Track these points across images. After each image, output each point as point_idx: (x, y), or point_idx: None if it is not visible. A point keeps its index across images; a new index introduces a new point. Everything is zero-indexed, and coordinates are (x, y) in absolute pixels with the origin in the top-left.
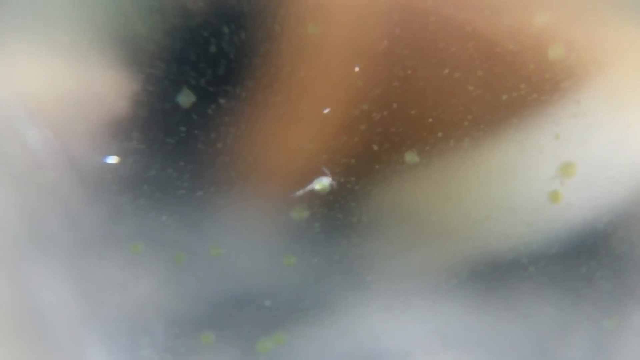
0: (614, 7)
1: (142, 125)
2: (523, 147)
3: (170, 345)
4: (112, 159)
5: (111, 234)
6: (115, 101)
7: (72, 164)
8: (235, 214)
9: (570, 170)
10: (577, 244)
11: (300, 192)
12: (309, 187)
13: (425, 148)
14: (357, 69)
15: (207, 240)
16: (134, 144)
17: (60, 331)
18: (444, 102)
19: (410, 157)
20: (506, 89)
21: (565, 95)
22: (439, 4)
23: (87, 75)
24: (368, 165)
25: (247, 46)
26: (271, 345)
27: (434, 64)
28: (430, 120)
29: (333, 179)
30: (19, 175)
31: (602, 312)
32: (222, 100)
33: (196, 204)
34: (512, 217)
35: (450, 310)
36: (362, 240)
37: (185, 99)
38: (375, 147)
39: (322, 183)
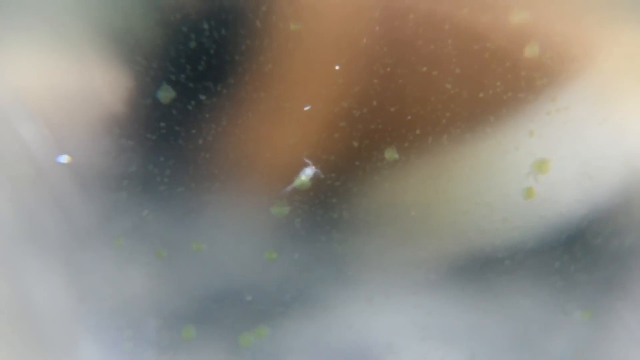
0: (590, 5)
1: (123, 121)
2: (499, 144)
3: (153, 339)
4: (64, 159)
5: (93, 229)
6: (96, 97)
7: (58, 160)
8: (217, 210)
9: (545, 166)
10: (552, 238)
11: (289, 188)
12: (297, 182)
13: (404, 145)
14: (337, 67)
15: (188, 236)
16: (114, 139)
17: (48, 324)
18: (422, 99)
19: (390, 153)
20: (483, 87)
21: (541, 92)
22: (418, 2)
23: (72, 73)
24: (348, 161)
25: (228, 42)
26: (253, 339)
27: (413, 61)
28: (409, 117)
29: (316, 168)
30: (16, 172)
31: (577, 304)
32: (202, 97)
33: (177, 200)
34: (488, 212)
35: (430, 302)
36: (342, 236)
37: (165, 94)
38: (355, 144)
39: (306, 174)
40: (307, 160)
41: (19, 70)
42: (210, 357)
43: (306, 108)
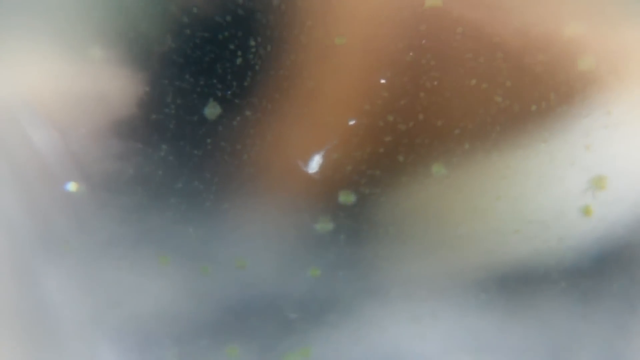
0: None
1: (170, 137)
2: (553, 159)
3: (197, 358)
4: (71, 186)
5: (139, 246)
6: (133, 107)
7: (99, 171)
8: (260, 226)
9: (602, 183)
10: (610, 259)
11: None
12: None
13: (453, 160)
14: (383, 81)
15: (232, 253)
16: (162, 156)
17: (68, 333)
18: (471, 113)
19: (437, 168)
20: (535, 100)
21: (596, 106)
22: (466, 15)
23: (100, 79)
24: (394, 176)
25: (273, 58)
26: (298, 358)
27: (461, 74)
28: (457, 131)
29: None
30: (27, 176)
31: (636, 329)
32: (248, 112)
33: (222, 216)
34: (542, 231)
35: (479, 324)
36: (388, 253)
37: (212, 110)
38: (401, 159)
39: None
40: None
41: (30, 75)
42: None
43: (351, 123)
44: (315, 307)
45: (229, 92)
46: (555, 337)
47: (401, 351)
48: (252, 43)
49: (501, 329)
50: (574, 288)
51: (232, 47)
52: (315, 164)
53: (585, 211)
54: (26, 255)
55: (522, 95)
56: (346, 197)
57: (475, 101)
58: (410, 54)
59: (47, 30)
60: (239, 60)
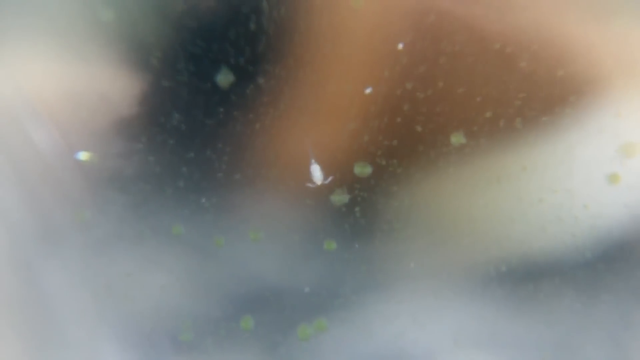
0: None
1: (182, 106)
2: (581, 126)
3: (211, 330)
4: (83, 155)
5: (152, 217)
6: (146, 85)
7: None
8: (274, 198)
9: (632, 150)
10: (638, 229)
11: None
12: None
13: (473, 129)
14: (401, 46)
15: (246, 224)
16: (173, 124)
17: (71, 323)
18: (494, 79)
19: (457, 138)
20: (563, 64)
21: (627, 70)
22: None
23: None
24: (411, 147)
25: (287, 22)
26: (312, 331)
27: (484, 38)
28: (479, 99)
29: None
30: (29, 175)
31: None
32: (261, 80)
33: (235, 187)
34: (567, 199)
35: (501, 299)
36: (404, 225)
37: (224, 78)
38: (419, 128)
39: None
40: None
41: (32, 73)
42: (269, 348)
43: (367, 91)
44: (330, 280)
45: (242, 59)
46: (561, 329)
47: (419, 322)
48: (266, 6)
49: (509, 321)
50: (600, 259)
51: (245, 10)
52: (317, 175)
53: (613, 179)
54: (27, 249)
55: (548, 59)
56: (362, 169)
57: (499, 66)
58: (431, 16)
59: (48, 30)
60: (252, 25)
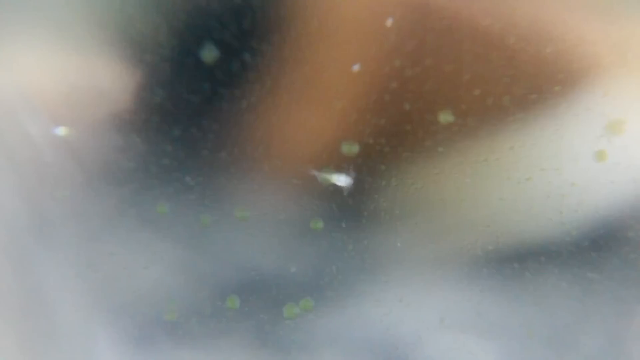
0: None
1: (165, 82)
2: (569, 104)
3: (196, 309)
4: (61, 130)
5: (136, 196)
6: (131, 60)
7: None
8: (261, 176)
9: (619, 127)
10: (624, 206)
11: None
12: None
13: (461, 107)
14: (389, 22)
15: (232, 203)
16: (157, 101)
17: (63, 315)
18: (482, 56)
19: (445, 116)
20: (551, 41)
21: (616, 47)
22: None
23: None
24: (399, 125)
25: None
26: (298, 311)
27: (473, 14)
28: (467, 76)
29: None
30: (22, 167)
31: None
32: (247, 56)
33: (220, 165)
34: (555, 177)
35: (486, 277)
36: (391, 205)
37: (209, 54)
38: (407, 106)
39: (340, 180)
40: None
41: (25, 66)
42: (255, 327)
43: (355, 68)
44: (317, 260)
45: (228, 34)
46: (546, 308)
47: (405, 302)
48: None
49: (494, 300)
50: (586, 237)
51: None
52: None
53: (600, 156)
54: (22, 245)
55: (536, 35)
56: (349, 148)
57: (488, 43)
58: None
59: (44, 25)
60: (236, 0)
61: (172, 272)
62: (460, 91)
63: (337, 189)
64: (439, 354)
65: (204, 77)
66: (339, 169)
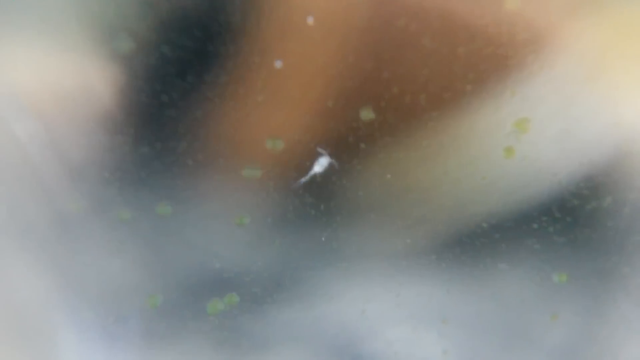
0: None
1: (79, 74)
2: (480, 103)
3: (115, 309)
4: None
5: (49, 194)
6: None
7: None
8: (184, 172)
9: (525, 125)
10: (530, 198)
11: (303, 180)
12: (311, 173)
13: (381, 104)
14: (310, 21)
15: (153, 199)
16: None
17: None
18: (399, 56)
19: (366, 113)
20: (462, 42)
21: (523, 48)
22: None
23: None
24: (322, 122)
25: None
26: (222, 307)
27: (390, 15)
28: (386, 75)
29: (331, 158)
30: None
31: (553, 266)
32: (165, 49)
33: (141, 161)
34: (469, 172)
35: (405, 269)
36: (316, 199)
37: (123, 44)
38: (330, 104)
39: (320, 164)
40: (320, 150)
41: (15, 67)
42: (178, 324)
43: (277, 64)
44: (242, 256)
45: (144, 26)
46: (478, 276)
47: (329, 296)
48: None
49: (426, 270)
50: (496, 229)
51: None
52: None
53: (508, 152)
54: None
55: (449, 36)
56: (274, 143)
57: (404, 43)
58: None
59: (34, 25)
60: None
61: (89, 271)
62: (380, 89)
63: (262, 185)
64: (361, 341)
65: (119, 68)
66: (264, 165)
